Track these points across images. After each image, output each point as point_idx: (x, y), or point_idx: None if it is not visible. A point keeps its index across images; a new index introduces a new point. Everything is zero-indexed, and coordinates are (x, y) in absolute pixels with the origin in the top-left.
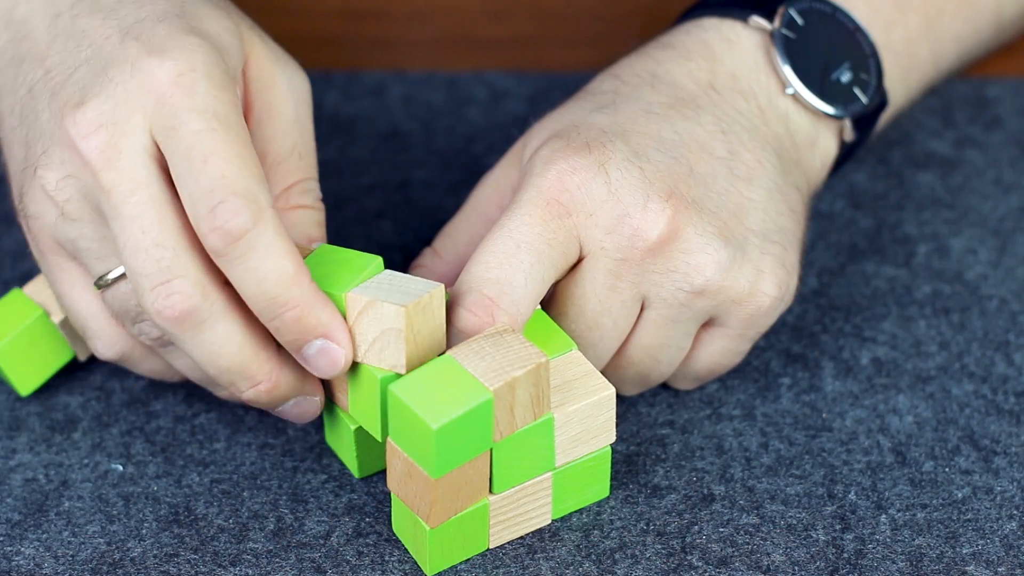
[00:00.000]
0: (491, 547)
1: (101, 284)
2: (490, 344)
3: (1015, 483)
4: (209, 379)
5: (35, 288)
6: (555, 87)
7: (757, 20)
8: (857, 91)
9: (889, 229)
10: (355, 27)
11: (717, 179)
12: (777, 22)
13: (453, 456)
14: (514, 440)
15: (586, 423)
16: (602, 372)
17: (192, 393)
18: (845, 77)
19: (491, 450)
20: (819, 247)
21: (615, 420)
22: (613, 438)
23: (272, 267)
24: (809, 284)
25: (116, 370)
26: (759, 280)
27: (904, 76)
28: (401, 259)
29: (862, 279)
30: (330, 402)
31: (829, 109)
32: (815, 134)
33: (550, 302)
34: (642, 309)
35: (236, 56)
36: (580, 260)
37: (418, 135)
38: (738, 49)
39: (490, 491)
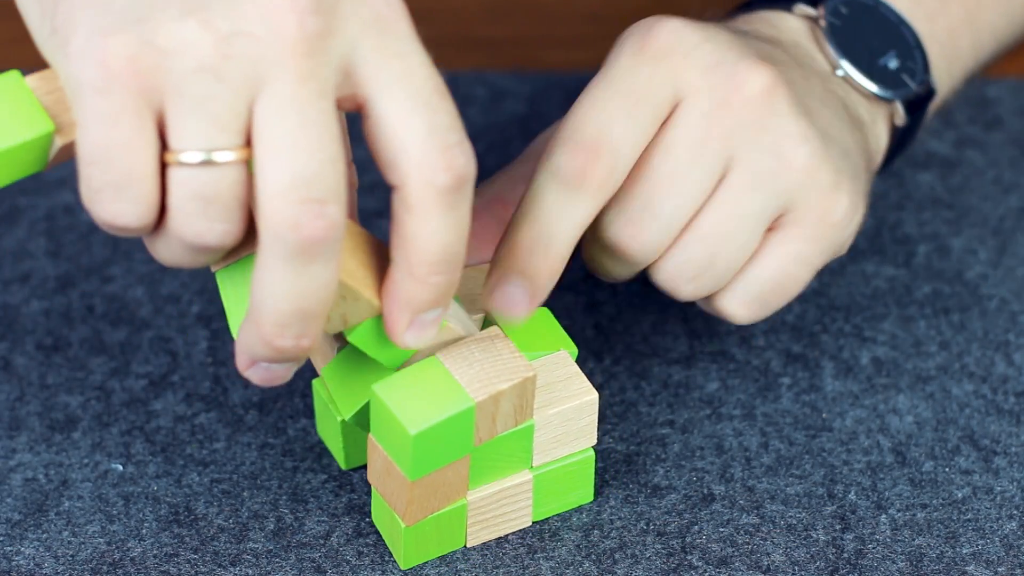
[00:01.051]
0: (469, 545)
1: (183, 161)
2: (480, 350)
3: (1015, 483)
4: (266, 314)
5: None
6: (555, 87)
7: (802, 8)
8: (905, 77)
9: (889, 229)
10: None
11: (807, 95)
12: (822, 10)
13: (431, 460)
14: (493, 443)
15: (567, 426)
16: (658, 261)
17: (192, 393)
18: (892, 64)
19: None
20: None
21: (596, 424)
22: (594, 441)
23: (468, 223)
24: (809, 284)
25: (116, 370)
26: (837, 187)
27: (948, 66)
28: None
29: (862, 279)
30: (321, 393)
31: (880, 90)
32: (869, 116)
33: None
34: (721, 180)
35: None
36: (673, 109)
37: None
38: (791, 29)
39: None
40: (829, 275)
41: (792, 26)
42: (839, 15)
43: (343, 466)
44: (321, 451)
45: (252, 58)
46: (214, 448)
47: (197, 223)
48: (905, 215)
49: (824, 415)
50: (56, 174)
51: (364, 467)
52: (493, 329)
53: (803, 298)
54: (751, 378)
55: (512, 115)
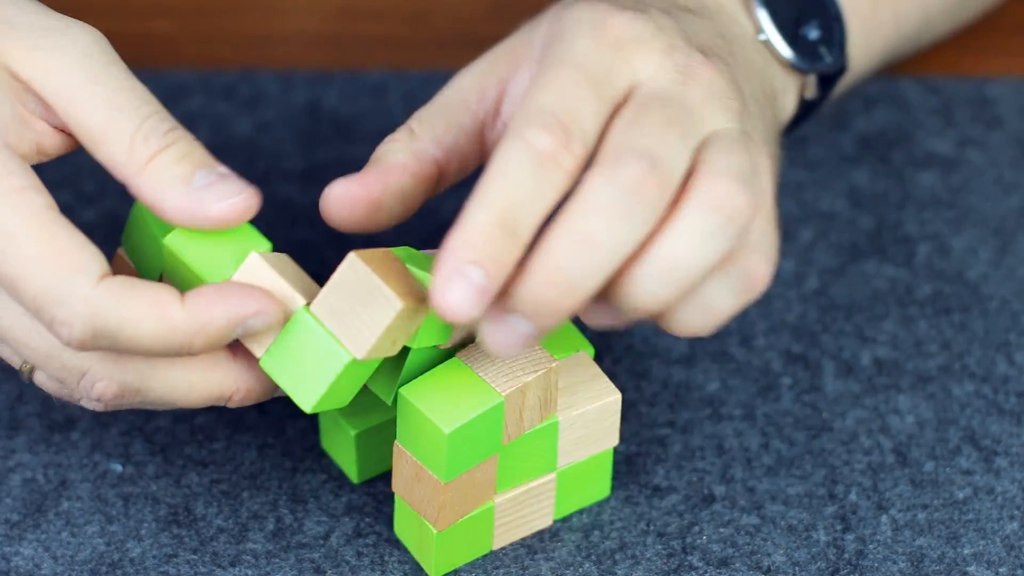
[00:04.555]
0: (494, 549)
1: (26, 375)
2: None
3: (1016, 483)
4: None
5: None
6: None
7: None
8: (823, 50)
9: (890, 229)
10: (355, 27)
11: (737, 78)
12: None
13: (463, 460)
14: (518, 442)
15: (590, 427)
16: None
17: None
18: (813, 34)
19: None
20: (820, 247)
21: (619, 424)
22: (616, 441)
23: (140, 335)
24: (810, 284)
25: None
26: (745, 180)
27: (867, 40)
28: None
29: (863, 279)
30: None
31: (798, 61)
32: (782, 86)
33: None
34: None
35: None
36: (627, 94)
37: None
38: None
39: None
40: (830, 275)
41: None
42: None
43: (355, 480)
44: (321, 451)
45: None
46: (213, 448)
47: None
48: (906, 215)
49: (825, 415)
50: (55, 175)
51: (375, 478)
52: None
53: (804, 298)
54: (751, 378)
55: None
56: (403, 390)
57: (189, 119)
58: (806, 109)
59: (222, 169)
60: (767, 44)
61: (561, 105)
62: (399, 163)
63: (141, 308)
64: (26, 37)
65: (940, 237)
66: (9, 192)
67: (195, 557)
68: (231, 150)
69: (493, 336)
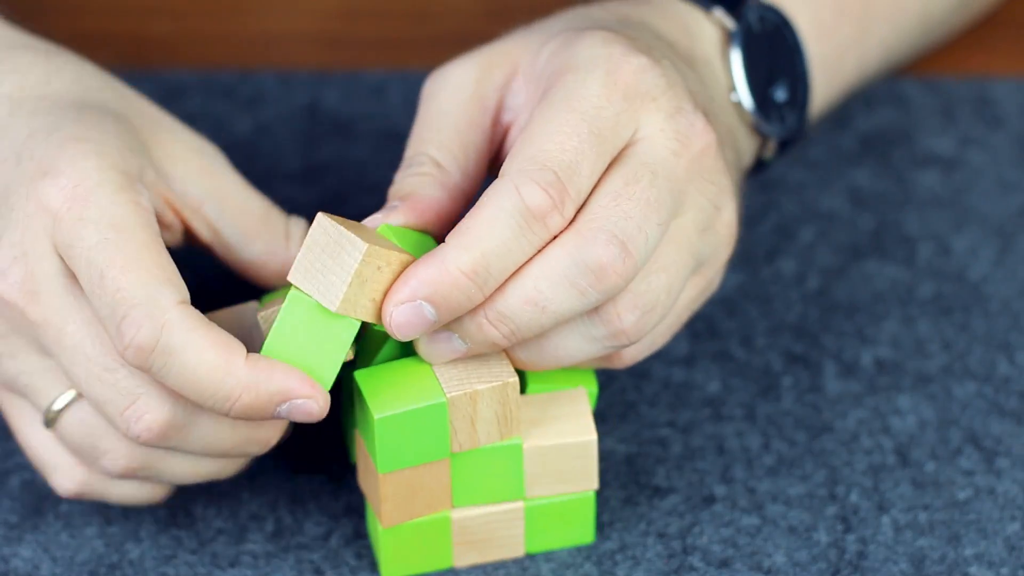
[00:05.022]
0: (456, 566)
1: (49, 419)
2: None
3: (1017, 484)
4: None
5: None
6: None
7: (720, 16)
8: (787, 112)
9: (891, 229)
10: (355, 27)
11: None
12: (737, 25)
13: (401, 454)
14: (476, 456)
15: (561, 464)
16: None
17: None
18: (780, 96)
19: (452, 461)
20: (820, 247)
21: (597, 467)
22: (595, 485)
23: (196, 366)
24: (811, 284)
25: None
26: (736, 238)
27: (828, 85)
28: None
29: (864, 279)
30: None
31: (766, 127)
32: (746, 145)
33: None
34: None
35: (133, 153)
36: (624, 148)
37: None
38: (705, 38)
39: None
40: (831, 275)
41: (707, 37)
42: (751, 33)
43: (353, 459)
44: (321, 452)
45: (10, 328)
46: None
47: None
48: (907, 215)
49: (824, 415)
50: None
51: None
52: None
53: (804, 298)
54: (752, 379)
55: None
56: (356, 373)
57: (189, 119)
58: (756, 168)
59: None
60: (738, 105)
61: (562, 160)
62: (434, 199)
63: (208, 343)
64: (178, 140)
65: (941, 237)
66: (132, 202)
67: (194, 558)
68: (231, 150)
69: (429, 345)
